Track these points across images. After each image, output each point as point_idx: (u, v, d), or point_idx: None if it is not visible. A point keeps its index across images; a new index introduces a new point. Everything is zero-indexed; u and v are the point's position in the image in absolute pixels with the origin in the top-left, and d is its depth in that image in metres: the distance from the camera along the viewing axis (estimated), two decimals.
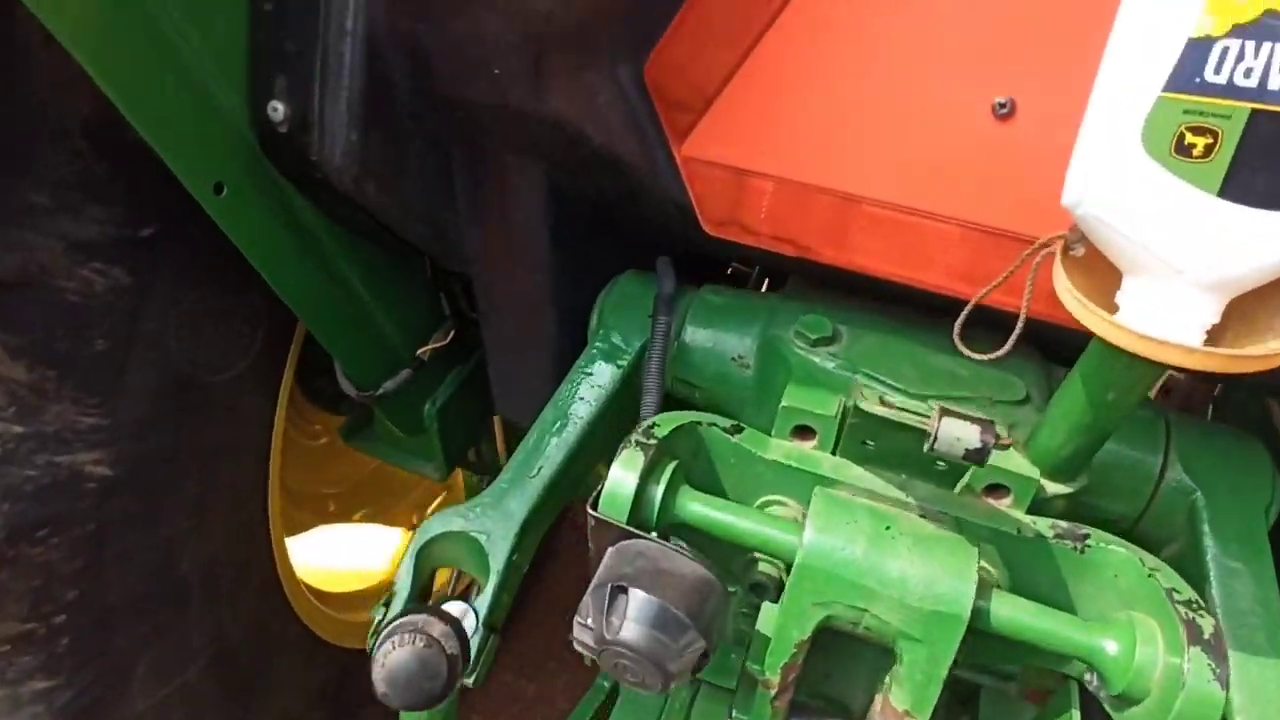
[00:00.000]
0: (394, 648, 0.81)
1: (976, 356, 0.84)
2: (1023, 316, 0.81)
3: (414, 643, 0.81)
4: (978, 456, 0.77)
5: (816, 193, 0.97)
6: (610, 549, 0.89)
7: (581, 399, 1.22)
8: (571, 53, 0.85)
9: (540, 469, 1.17)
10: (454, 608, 1.08)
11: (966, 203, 0.90)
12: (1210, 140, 0.63)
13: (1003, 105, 0.86)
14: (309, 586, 1.79)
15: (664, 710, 1.24)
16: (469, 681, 1.06)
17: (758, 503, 1.03)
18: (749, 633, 0.97)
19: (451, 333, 1.49)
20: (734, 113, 0.97)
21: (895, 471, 0.98)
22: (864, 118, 0.91)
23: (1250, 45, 0.59)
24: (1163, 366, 0.71)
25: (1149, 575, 0.84)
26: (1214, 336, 0.71)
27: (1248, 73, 0.60)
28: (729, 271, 1.77)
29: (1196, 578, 1.03)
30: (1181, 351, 0.68)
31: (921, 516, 0.93)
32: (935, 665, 0.82)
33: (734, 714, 0.95)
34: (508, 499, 1.14)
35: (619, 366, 1.24)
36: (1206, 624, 0.77)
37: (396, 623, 0.85)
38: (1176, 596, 0.80)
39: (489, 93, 0.89)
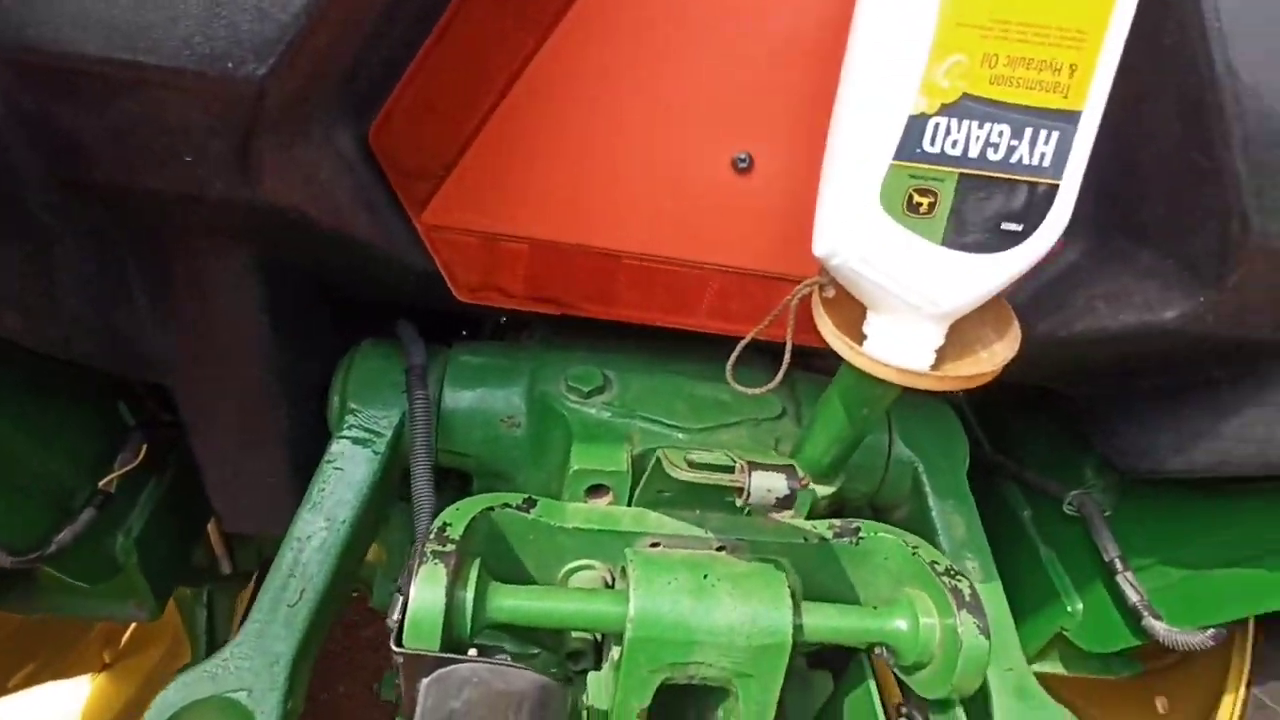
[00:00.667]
0: None
1: (752, 391, 0.89)
2: (788, 351, 0.87)
3: None
4: (788, 503, 0.82)
5: (575, 252, 0.95)
6: (426, 682, 0.79)
7: (338, 498, 1.07)
8: (284, 130, 0.72)
9: (302, 592, 1.01)
10: None
11: (720, 250, 0.94)
12: (932, 199, 0.73)
13: (742, 160, 0.91)
14: None
15: None
16: None
17: (564, 570, 1.00)
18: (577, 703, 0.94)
19: (143, 448, 1.21)
20: (478, 177, 0.90)
21: (689, 509, 1.01)
22: (614, 176, 0.90)
23: (954, 121, 0.69)
24: (904, 386, 0.82)
25: (913, 553, 0.97)
26: (939, 354, 0.83)
27: (954, 144, 0.70)
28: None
29: (926, 530, 1.22)
30: (915, 375, 0.79)
31: (719, 550, 0.97)
32: (767, 693, 0.86)
33: None
34: (267, 638, 0.97)
35: (376, 453, 1.11)
36: (964, 586, 0.91)
37: None
38: (937, 568, 0.93)
39: (179, 181, 0.72)
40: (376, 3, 0.72)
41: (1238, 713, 1.36)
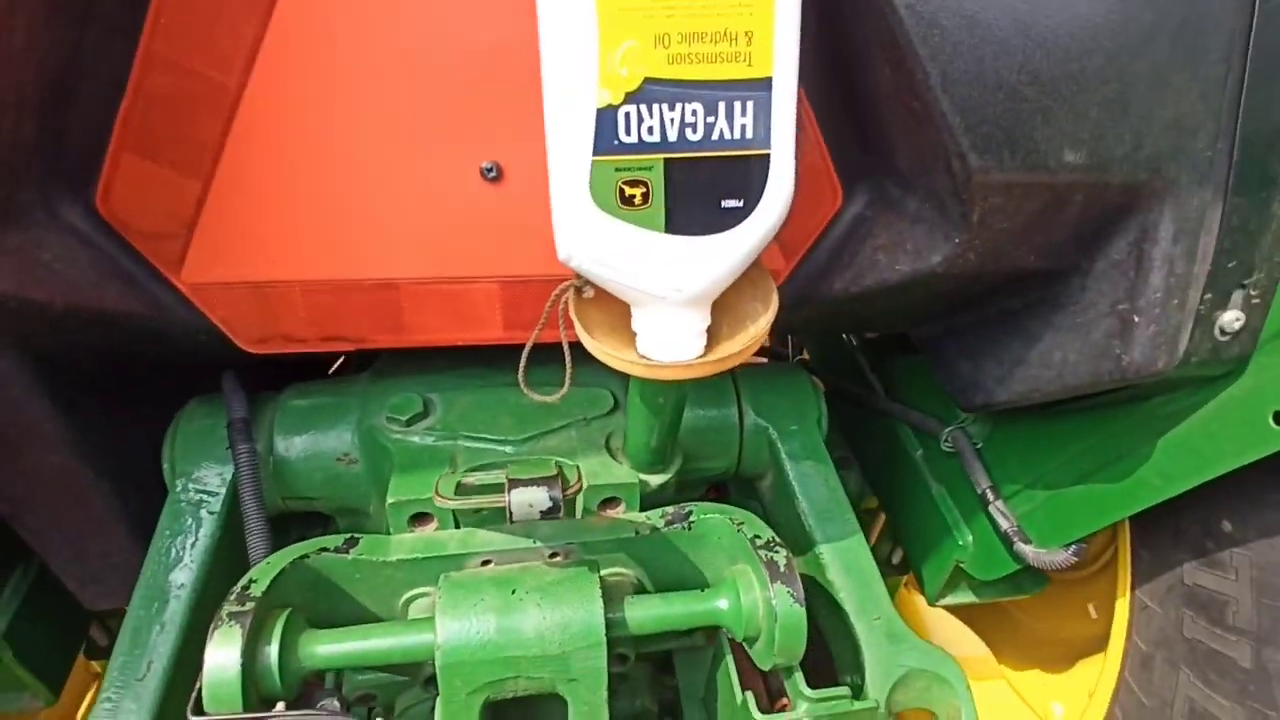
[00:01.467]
0: None
1: (539, 398, 0.88)
2: (568, 355, 0.86)
3: None
4: (554, 513, 0.81)
5: (349, 287, 0.93)
6: None
7: (179, 563, 1.06)
8: None
9: (150, 664, 1.00)
10: None
11: (491, 261, 0.93)
12: (644, 189, 0.71)
13: (490, 169, 0.89)
14: None
15: None
16: None
17: (401, 601, 0.99)
18: None
19: None
20: (224, 228, 0.88)
21: (511, 524, 1.00)
22: (364, 204, 0.88)
23: (643, 108, 0.67)
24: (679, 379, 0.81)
25: (738, 530, 0.97)
26: (712, 334, 0.82)
27: (650, 130, 0.68)
28: None
29: (788, 495, 1.23)
30: (684, 368, 0.78)
31: (553, 557, 0.97)
32: (593, 692, 0.86)
33: None
34: (119, 715, 0.96)
35: (211, 512, 1.09)
36: (780, 557, 0.91)
37: None
38: (758, 542, 0.94)
39: None
40: (33, 75, 0.70)
41: (1127, 615, 1.39)
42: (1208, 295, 0.81)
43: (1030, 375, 1.01)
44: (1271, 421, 0.86)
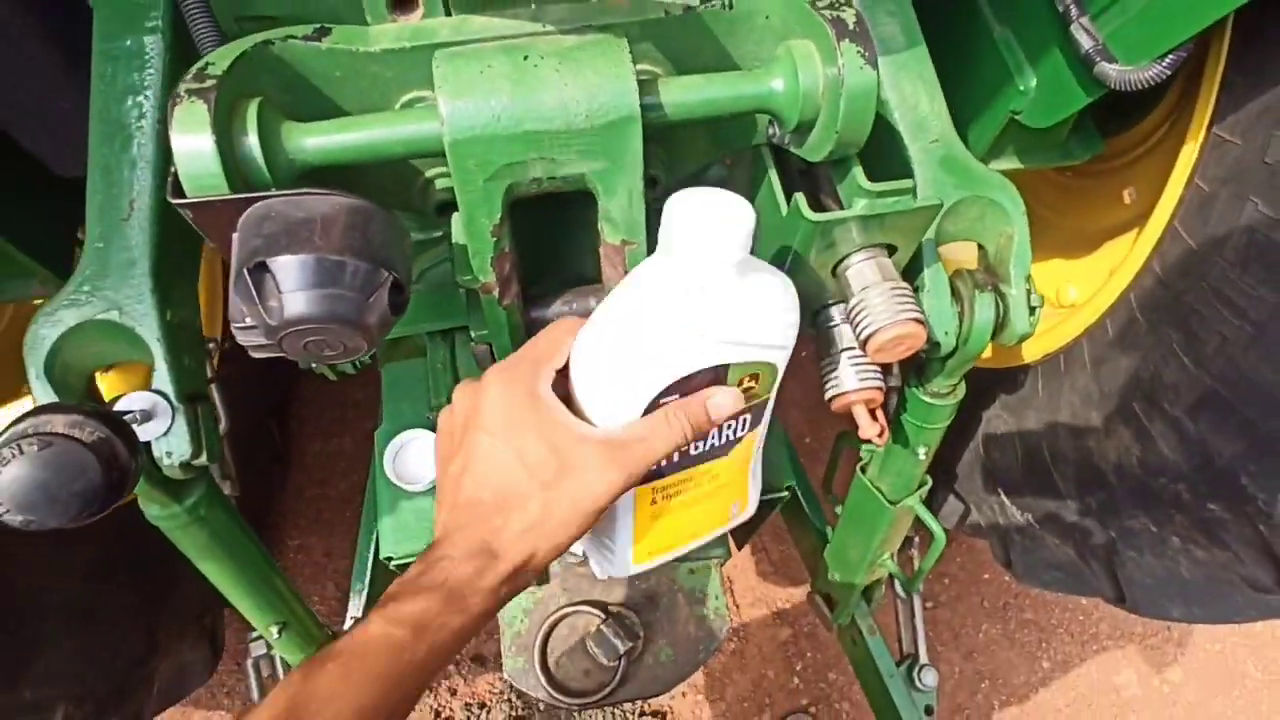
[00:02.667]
0: (2, 465, 0.61)
1: None
2: None
3: (27, 452, 0.62)
4: None
5: None
6: (235, 233, 0.70)
7: (129, 91, 0.90)
8: None
9: (131, 203, 0.90)
10: (132, 401, 0.89)
11: None
12: None
13: None
14: None
15: (428, 379, 1.18)
16: (199, 462, 0.91)
17: (396, 107, 0.85)
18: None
19: None
20: None
21: (524, 2, 0.82)
22: None
23: None
24: None
25: None
26: None
27: None
28: None
29: None
30: None
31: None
32: (629, 180, 0.76)
33: (472, 337, 0.88)
34: (112, 256, 0.89)
35: (153, 29, 0.91)
36: (849, 15, 0.74)
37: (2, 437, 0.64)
38: (820, 3, 0.76)
39: None
40: None
41: (1196, 158, 1.28)
42: None
43: None
44: None
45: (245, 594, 1.14)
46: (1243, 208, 1.17)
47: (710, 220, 0.67)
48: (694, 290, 0.69)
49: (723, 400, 0.74)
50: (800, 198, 0.83)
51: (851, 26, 0.73)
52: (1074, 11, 1.14)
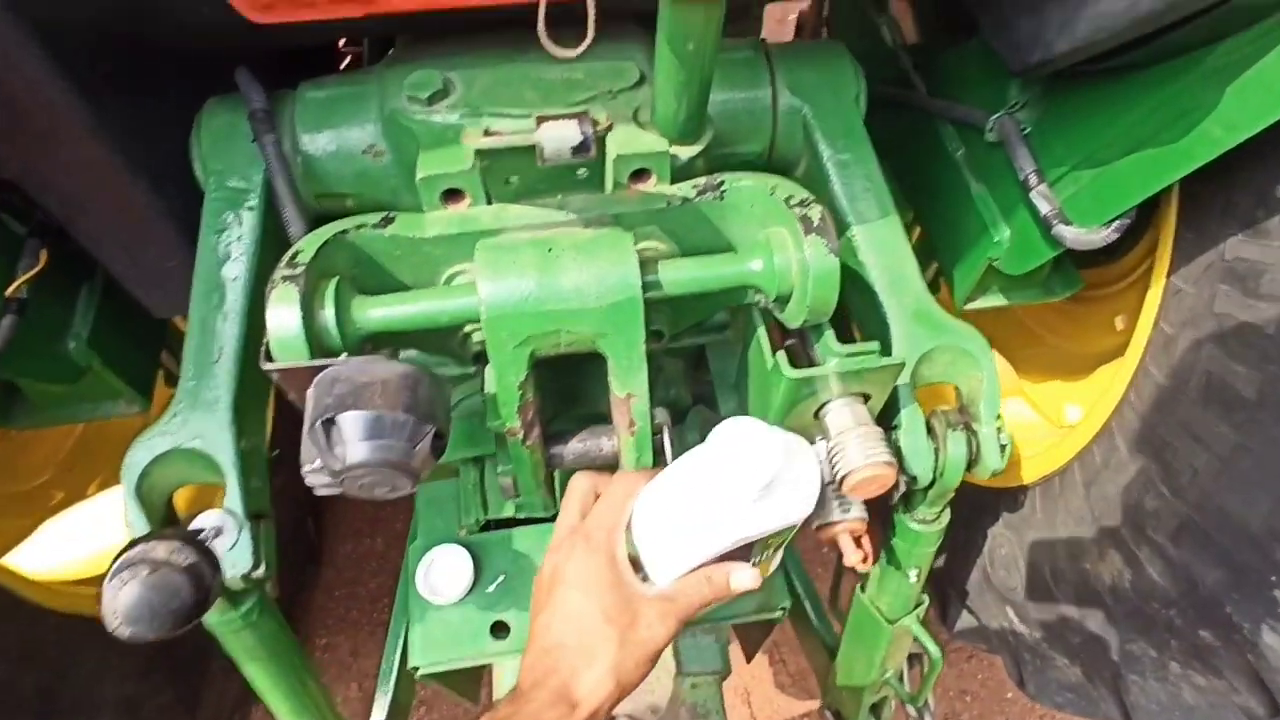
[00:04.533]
0: (120, 586, 0.76)
1: (561, 52, 0.83)
2: (591, 5, 0.80)
3: (138, 576, 0.76)
4: (585, 149, 0.79)
5: None
6: (310, 390, 0.85)
7: (227, 258, 1.09)
8: None
9: (220, 350, 1.07)
10: (206, 519, 1.03)
11: None
12: None
13: None
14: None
15: (459, 499, 1.31)
16: (257, 575, 1.03)
17: (442, 279, 1.02)
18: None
19: (43, 252, 1.23)
20: None
21: (551, 195, 1.00)
22: None
23: None
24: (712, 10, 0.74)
25: (771, 193, 0.96)
26: None
27: None
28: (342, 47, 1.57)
29: (822, 179, 1.20)
30: None
31: (585, 227, 0.97)
32: (632, 347, 0.91)
33: (499, 470, 1.02)
34: (201, 393, 1.05)
35: (251, 208, 1.11)
36: (814, 213, 0.90)
37: (117, 562, 0.79)
38: (791, 201, 0.92)
39: None
40: None
41: (1158, 302, 1.40)
42: None
43: (1098, 12, 0.92)
44: None
45: (283, 697, 1.24)
46: (1199, 350, 1.29)
47: (770, 465, 0.82)
48: (744, 500, 0.83)
49: (743, 578, 0.90)
50: (781, 356, 0.97)
51: (816, 223, 0.89)
52: (1033, 180, 1.30)
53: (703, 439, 0.87)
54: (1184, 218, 1.32)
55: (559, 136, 0.78)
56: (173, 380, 1.83)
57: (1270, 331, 1.17)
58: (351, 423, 0.80)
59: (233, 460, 1.03)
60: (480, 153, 0.90)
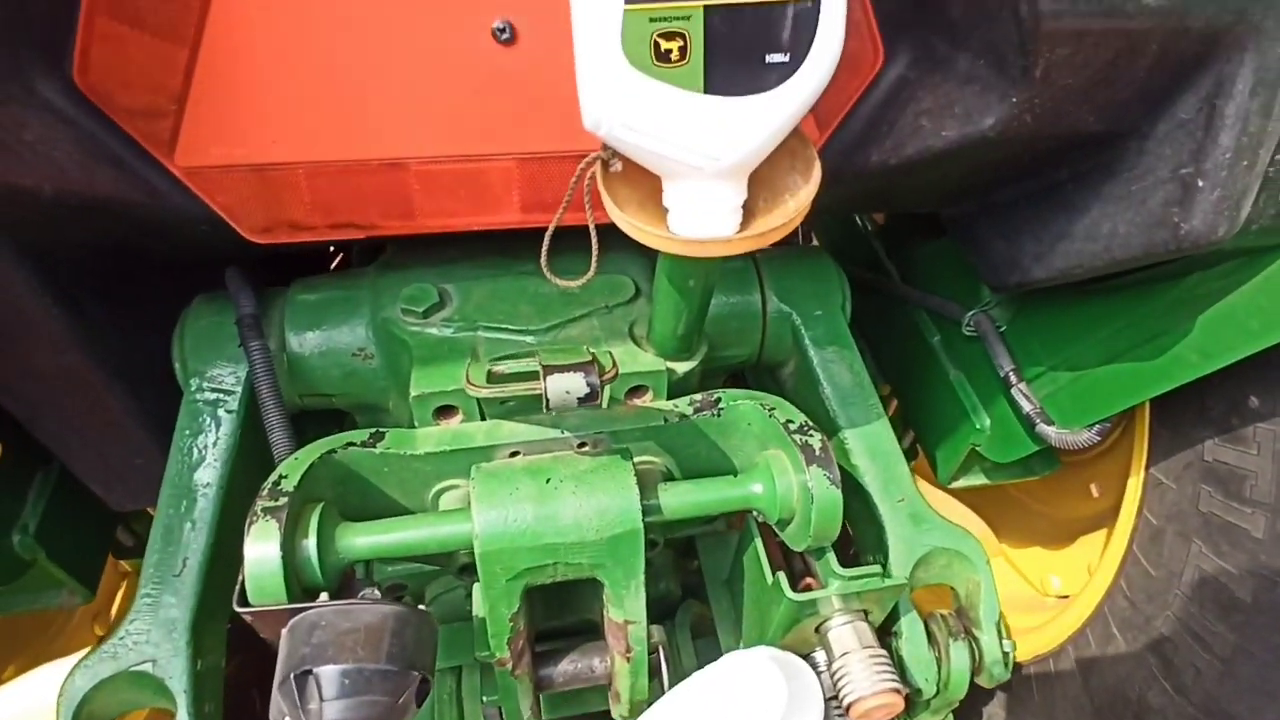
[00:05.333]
0: None
1: (564, 284, 0.84)
2: (594, 235, 0.82)
3: None
4: (592, 400, 0.79)
5: (356, 169, 0.87)
6: (284, 633, 0.79)
7: (202, 463, 1.05)
8: None
9: (185, 561, 1.00)
10: None
11: (507, 136, 0.86)
12: (681, 43, 0.64)
13: (502, 29, 0.81)
14: None
15: (434, 705, 1.21)
16: None
17: (431, 494, 0.99)
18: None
19: None
20: (218, 104, 0.81)
21: (546, 414, 0.98)
22: (370, 74, 0.81)
23: None
24: (714, 257, 0.76)
25: (769, 415, 0.96)
26: (747, 209, 0.77)
27: None
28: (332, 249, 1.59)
29: (811, 380, 1.21)
30: (722, 244, 0.74)
31: (581, 447, 0.96)
32: (632, 576, 0.87)
33: (484, 700, 0.95)
34: (160, 609, 0.97)
35: (230, 411, 1.07)
36: (815, 441, 0.90)
37: None
38: (791, 427, 0.92)
39: None
40: None
41: (1140, 493, 1.42)
42: (1279, 155, 0.76)
43: (1074, 250, 0.97)
44: None
45: None
46: (1188, 547, 1.29)
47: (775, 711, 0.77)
48: None
49: None
50: (782, 577, 0.94)
51: (818, 452, 0.88)
52: (1013, 378, 1.33)
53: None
54: (1158, 414, 1.36)
55: (566, 389, 0.77)
56: (123, 552, 1.72)
57: (1259, 536, 1.18)
58: (329, 678, 0.74)
59: (186, 685, 0.94)
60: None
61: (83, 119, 0.77)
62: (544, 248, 0.83)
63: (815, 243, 2.06)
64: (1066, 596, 1.76)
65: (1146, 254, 0.88)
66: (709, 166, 0.71)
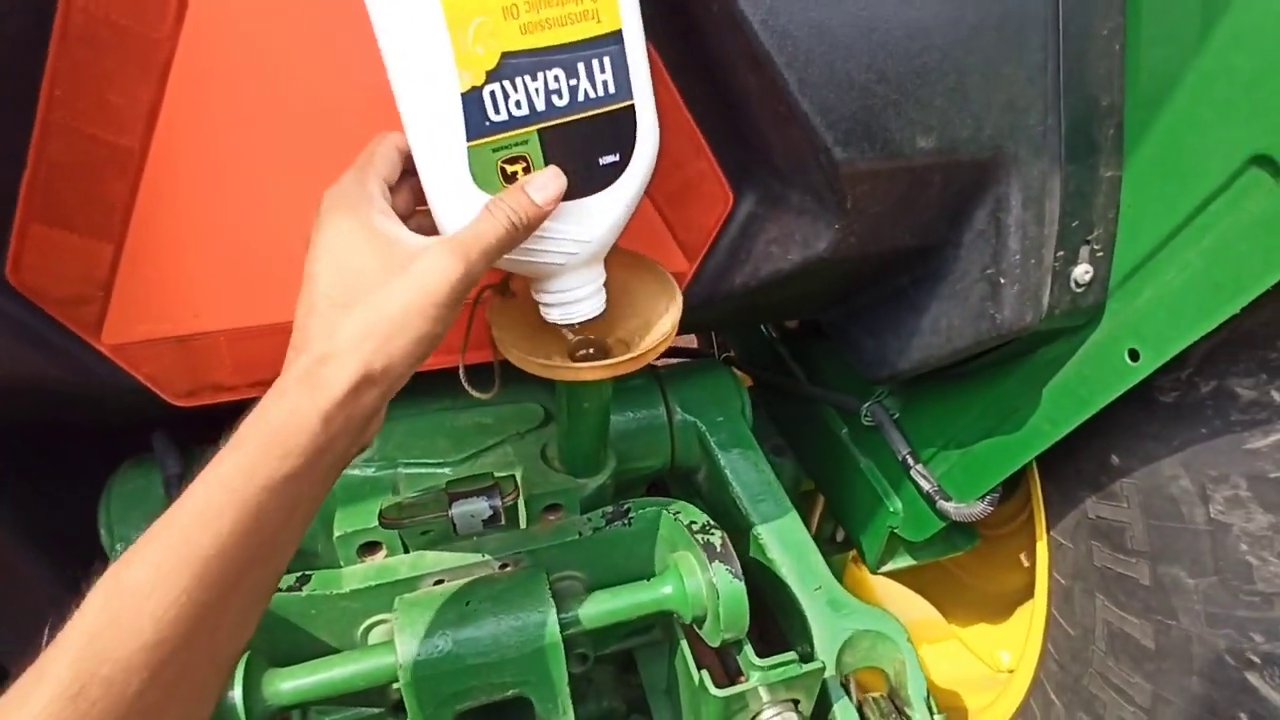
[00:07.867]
0: None
1: (477, 394, 0.90)
2: (496, 368, 0.91)
3: None
4: (496, 521, 0.86)
5: (273, 330, 0.96)
6: None
7: None
8: None
9: None
10: None
11: None
12: (524, 163, 0.72)
13: None
14: None
15: None
16: None
17: (360, 630, 1.01)
18: None
19: None
20: (142, 286, 0.89)
21: (469, 538, 1.04)
22: (283, 246, 0.89)
23: (506, 84, 0.68)
24: (599, 381, 0.86)
25: (675, 518, 1.03)
26: (625, 341, 0.87)
27: (518, 104, 0.69)
28: None
29: (722, 483, 1.30)
30: (605, 368, 0.83)
31: (502, 568, 1.01)
32: (557, 692, 0.91)
33: None
34: None
35: None
36: (716, 538, 0.97)
37: None
38: (694, 527, 1.00)
39: None
40: None
41: (1048, 555, 1.51)
42: (1060, 253, 0.92)
43: (924, 344, 1.10)
44: (1127, 359, 0.97)
45: None
46: (1094, 602, 1.37)
47: None
48: None
49: (543, 180, 0.73)
50: (706, 675, 0.98)
51: (719, 549, 0.96)
52: (910, 460, 1.44)
53: None
54: (1046, 478, 1.47)
55: (470, 513, 0.84)
56: None
57: (1147, 583, 1.27)
58: None
59: None
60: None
61: (12, 309, 0.85)
62: (461, 371, 0.90)
63: (731, 353, 2.20)
64: (1014, 670, 1.80)
65: (977, 343, 1.02)
66: (570, 262, 0.79)
